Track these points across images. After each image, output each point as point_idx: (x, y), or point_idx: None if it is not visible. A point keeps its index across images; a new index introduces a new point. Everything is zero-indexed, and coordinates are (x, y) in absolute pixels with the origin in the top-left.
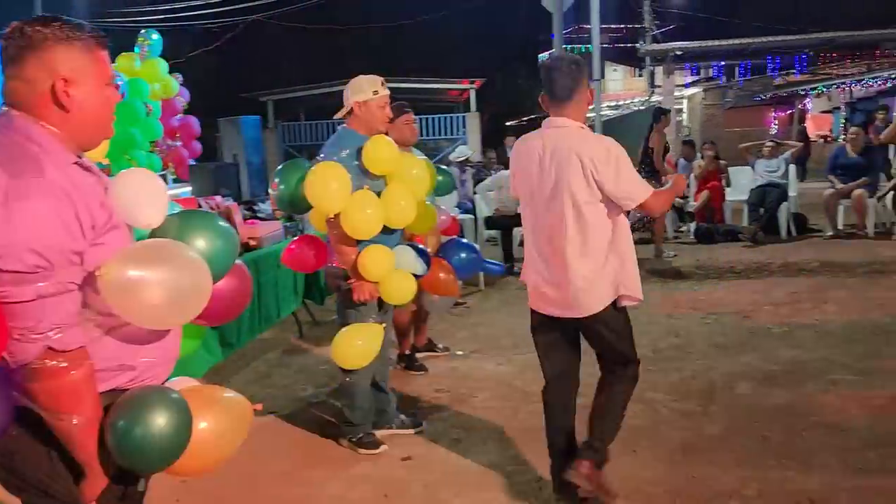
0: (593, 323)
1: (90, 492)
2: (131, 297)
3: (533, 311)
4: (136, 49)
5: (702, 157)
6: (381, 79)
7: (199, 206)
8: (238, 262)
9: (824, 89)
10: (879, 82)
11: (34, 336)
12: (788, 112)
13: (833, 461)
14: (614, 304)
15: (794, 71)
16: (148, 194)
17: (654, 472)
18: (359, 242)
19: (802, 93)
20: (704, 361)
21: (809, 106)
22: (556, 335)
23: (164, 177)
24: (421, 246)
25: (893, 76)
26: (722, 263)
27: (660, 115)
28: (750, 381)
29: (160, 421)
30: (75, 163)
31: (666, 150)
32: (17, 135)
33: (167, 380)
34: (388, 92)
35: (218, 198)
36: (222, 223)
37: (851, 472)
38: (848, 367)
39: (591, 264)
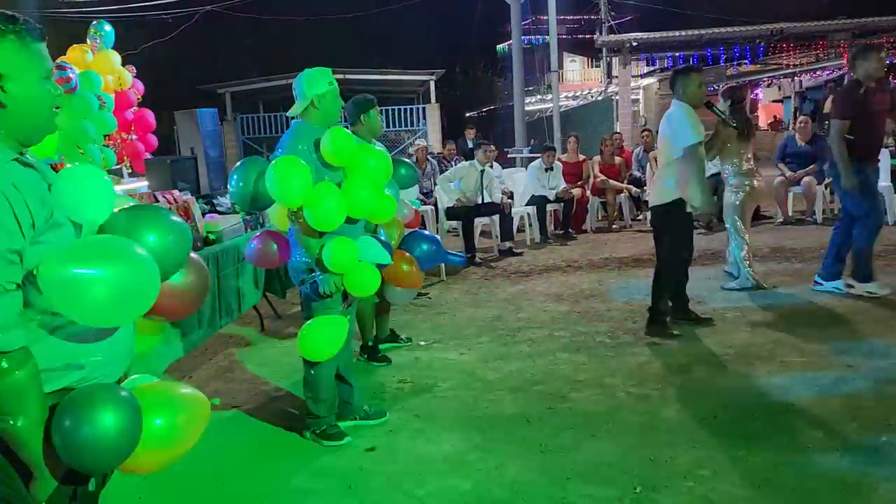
0: (653, 214)
1: (40, 493)
2: (73, 296)
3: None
4: (87, 41)
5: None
6: (329, 70)
7: (156, 201)
8: (195, 256)
9: (775, 79)
10: (828, 72)
11: None
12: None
13: (782, 440)
14: (666, 205)
15: (745, 61)
16: (91, 190)
17: (612, 456)
18: (322, 235)
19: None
20: (660, 346)
21: (760, 95)
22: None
23: (119, 171)
24: (384, 237)
25: (840, 66)
26: None
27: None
28: (704, 365)
29: (107, 420)
30: (15, 160)
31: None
32: None
33: (123, 377)
34: (336, 83)
35: (175, 192)
36: (174, 218)
37: (799, 450)
38: (797, 350)
39: (656, 179)
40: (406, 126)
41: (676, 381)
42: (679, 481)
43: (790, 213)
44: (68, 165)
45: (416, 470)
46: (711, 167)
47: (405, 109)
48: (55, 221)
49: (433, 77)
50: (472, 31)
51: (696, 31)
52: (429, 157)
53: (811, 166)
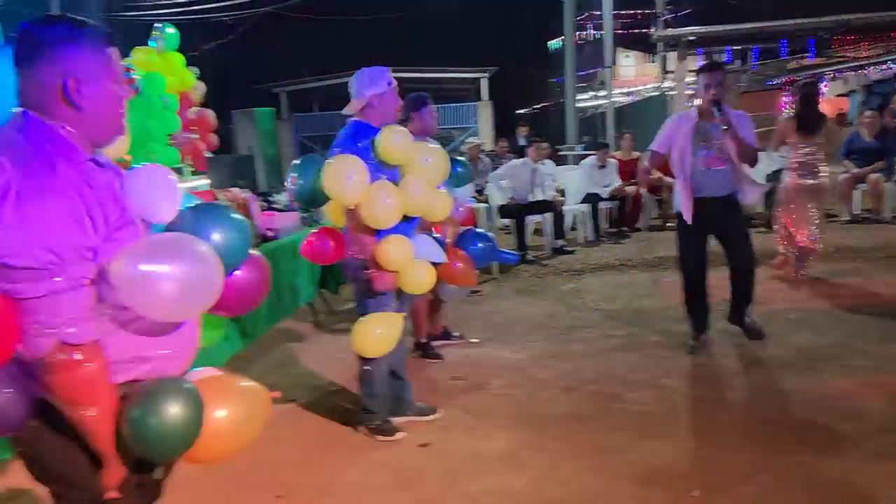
0: None
1: (109, 480)
2: (142, 291)
3: None
4: (151, 43)
5: None
6: (388, 69)
7: (217, 199)
8: (256, 253)
9: (839, 72)
10: None
11: (48, 330)
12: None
13: (848, 446)
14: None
15: (808, 54)
16: (160, 189)
17: (668, 458)
18: (377, 232)
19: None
20: (718, 347)
21: (824, 89)
22: None
23: (181, 169)
24: (437, 235)
25: None
26: None
27: None
28: (764, 367)
29: (172, 411)
30: (89, 160)
31: None
32: (31, 135)
33: (188, 370)
34: (395, 82)
35: (236, 189)
36: (235, 215)
37: (867, 457)
38: (863, 352)
39: None
40: (457, 124)
41: (735, 383)
42: (738, 486)
43: (856, 212)
44: (135, 165)
45: (469, 467)
46: (773, 164)
47: (457, 107)
48: (126, 219)
49: (485, 74)
50: (524, 28)
51: (756, 24)
52: (481, 154)
53: (878, 162)
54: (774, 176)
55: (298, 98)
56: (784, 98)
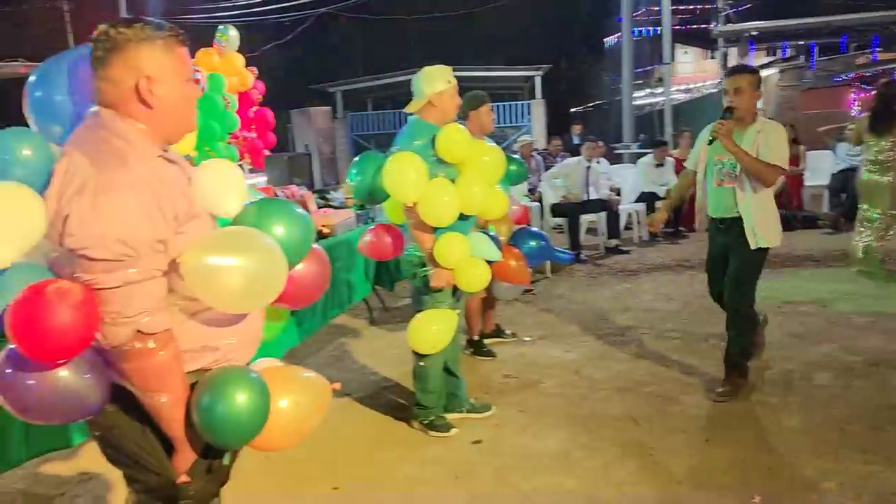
0: None
1: (180, 465)
2: (211, 283)
3: None
4: (214, 44)
5: None
6: (449, 68)
7: (276, 195)
8: (316, 247)
9: None
10: None
11: (123, 320)
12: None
13: None
14: None
15: (870, 51)
16: (227, 184)
17: (727, 462)
18: (435, 230)
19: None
20: (781, 351)
21: None
22: None
23: (240, 167)
24: (493, 233)
25: None
26: (800, 251)
27: None
28: (830, 372)
29: (240, 399)
30: (160, 156)
31: None
32: (105, 132)
33: (251, 361)
34: (455, 81)
35: (293, 186)
36: (299, 210)
37: None
38: None
39: None
40: (510, 122)
41: (798, 387)
42: (801, 493)
43: None
44: (198, 162)
45: (522, 465)
46: (840, 163)
47: (510, 106)
48: (194, 213)
49: (539, 72)
50: (579, 24)
51: (823, 18)
52: (534, 153)
53: None
54: (841, 175)
55: (353, 97)
56: (853, 95)
